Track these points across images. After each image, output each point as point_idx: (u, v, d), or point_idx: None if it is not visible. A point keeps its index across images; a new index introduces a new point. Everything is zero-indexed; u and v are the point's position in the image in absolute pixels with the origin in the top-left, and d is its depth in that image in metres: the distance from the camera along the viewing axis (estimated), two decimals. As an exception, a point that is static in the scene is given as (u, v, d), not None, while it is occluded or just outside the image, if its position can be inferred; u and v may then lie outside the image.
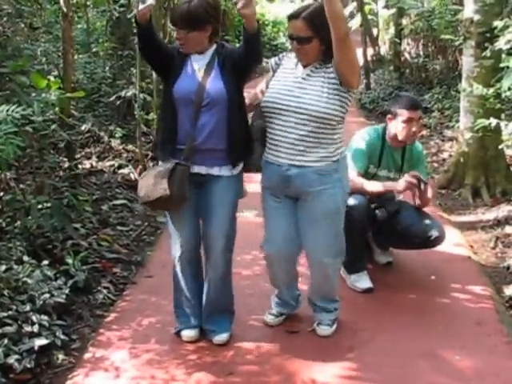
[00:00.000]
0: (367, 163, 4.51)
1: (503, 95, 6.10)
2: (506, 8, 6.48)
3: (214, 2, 3.49)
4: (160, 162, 3.65)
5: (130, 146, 7.78)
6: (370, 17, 14.91)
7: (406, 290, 4.58)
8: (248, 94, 3.84)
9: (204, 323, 3.90)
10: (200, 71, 3.50)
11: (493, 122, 5.51)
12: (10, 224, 4.71)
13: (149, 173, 3.60)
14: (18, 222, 4.69)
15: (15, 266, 4.03)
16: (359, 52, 10.54)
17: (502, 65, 5.63)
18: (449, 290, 4.61)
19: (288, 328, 4.05)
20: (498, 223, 5.89)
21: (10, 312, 3.65)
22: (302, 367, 3.62)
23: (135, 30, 3.89)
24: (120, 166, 7.23)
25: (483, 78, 6.47)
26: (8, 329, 3.54)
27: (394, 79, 12.91)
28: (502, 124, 5.59)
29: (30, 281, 3.93)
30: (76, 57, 8.84)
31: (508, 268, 4.96)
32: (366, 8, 14.55)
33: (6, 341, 3.47)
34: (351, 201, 4.29)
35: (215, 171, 3.58)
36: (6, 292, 3.78)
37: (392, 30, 14.18)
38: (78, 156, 6.83)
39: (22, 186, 5.04)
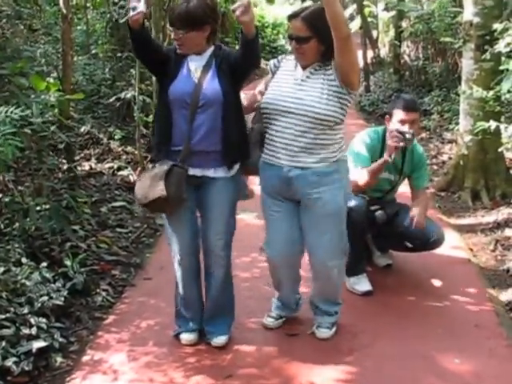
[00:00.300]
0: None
1: (503, 98, 6.10)
2: (506, 11, 6.49)
3: (212, 2, 3.49)
4: (157, 164, 3.64)
5: (129, 148, 7.78)
6: (369, 19, 14.91)
7: (405, 293, 4.57)
8: (246, 95, 3.83)
9: (205, 324, 3.89)
10: (197, 72, 3.50)
11: (492, 124, 5.51)
12: (9, 226, 4.70)
13: (145, 175, 3.60)
14: (17, 224, 4.68)
15: (14, 268, 4.02)
16: (359, 54, 10.55)
17: (501, 67, 5.63)
18: (448, 292, 4.60)
19: (287, 331, 4.04)
20: (498, 226, 5.88)
21: (8, 314, 3.64)
22: (301, 370, 3.60)
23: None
24: (119, 168, 7.22)
25: (483, 81, 6.46)
26: (6, 331, 3.53)
27: (393, 82, 12.92)
28: (502, 127, 5.59)
29: (28, 283, 3.92)
30: (75, 58, 8.83)
31: (508, 271, 4.95)
32: (366, 10, 14.56)
33: (3, 343, 3.45)
34: (350, 203, 4.27)
35: (210, 173, 3.57)
36: (4, 294, 3.77)
37: (392, 33, 14.20)
38: (77, 158, 6.83)
39: (20, 187, 5.03)
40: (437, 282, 4.77)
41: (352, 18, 14.62)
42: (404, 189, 4.91)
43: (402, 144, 4.25)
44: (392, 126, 4.41)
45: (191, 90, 3.45)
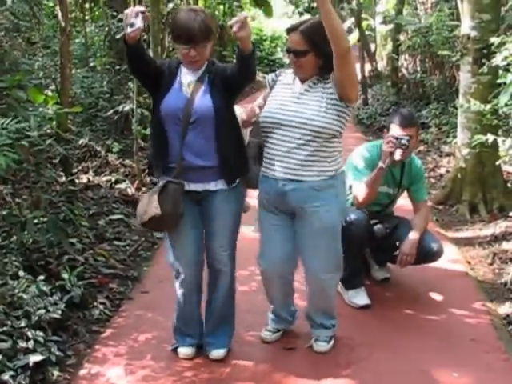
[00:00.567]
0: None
1: (500, 111, 6.10)
2: (503, 25, 6.52)
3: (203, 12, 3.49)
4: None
5: (127, 161, 7.78)
6: (367, 32, 14.98)
7: (403, 306, 4.56)
8: (245, 109, 3.83)
9: (205, 336, 3.87)
10: (189, 87, 3.48)
11: (490, 137, 5.51)
12: (6, 239, 4.69)
13: (146, 194, 3.63)
14: (14, 237, 4.66)
15: (11, 281, 4.00)
16: (357, 67, 10.59)
17: (498, 81, 5.64)
18: (446, 306, 4.59)
19: (285, 344, 4.03)
20: (496, 239, 5.87)
21: (4, 328, 3.62)
22: (298, 384, 3.60)
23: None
24: (117, 181, 7.21)
25: (480, 94, 6.48)
26: (3, 345, 3.52)
27: (391, 95, 12.96)
28: (499, 140, 5.58)
29: (25, 296, 3.90)
30: (74, 71, 8.87)
31: (505, 284, 4.94)
32: (364, 24, 14.63)
33: (0, 357, 3.43)
34: (351, 216, 4.27)
35: (212, 186, 3.55)
36: (1, 307, 3.75)
37: (389, 46, 14.24)
38: (74, 171, 6.82)
39: (18, 200, 5.02)
40: (435, 296, 4.76)
41: (350, 31, 14.70)
42: (402, 202, 4.91)
43: (397, 149, 4.25)
44: None
45: (183, 106, 3.44)
